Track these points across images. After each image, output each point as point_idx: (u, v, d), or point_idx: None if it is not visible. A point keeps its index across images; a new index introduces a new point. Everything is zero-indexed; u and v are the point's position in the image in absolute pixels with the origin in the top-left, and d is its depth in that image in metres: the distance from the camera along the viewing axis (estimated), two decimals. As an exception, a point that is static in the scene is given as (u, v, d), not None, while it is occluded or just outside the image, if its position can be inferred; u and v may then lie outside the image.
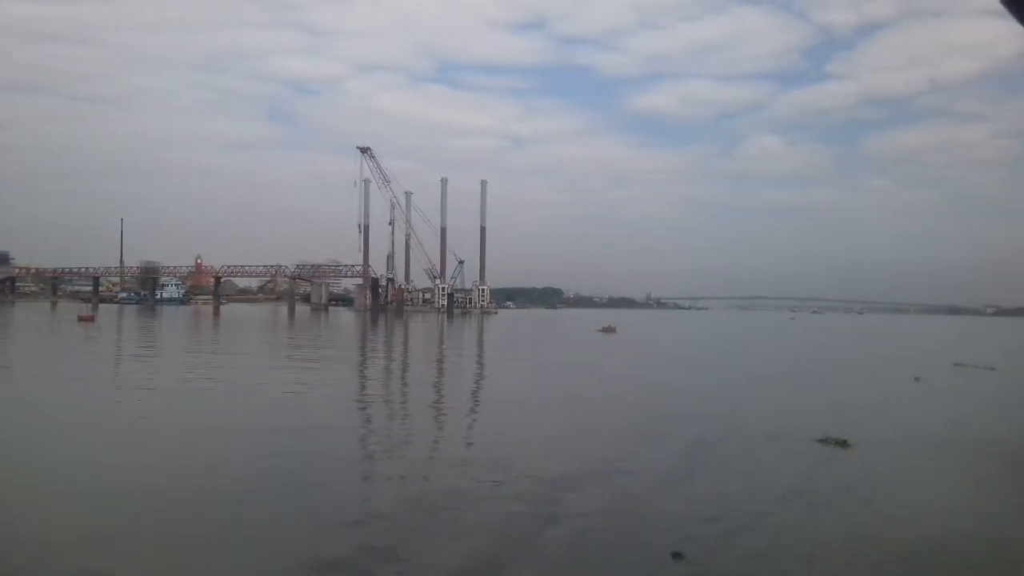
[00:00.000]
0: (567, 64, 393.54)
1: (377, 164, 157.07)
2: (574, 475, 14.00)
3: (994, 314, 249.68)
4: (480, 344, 63.24)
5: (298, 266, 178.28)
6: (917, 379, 34.52)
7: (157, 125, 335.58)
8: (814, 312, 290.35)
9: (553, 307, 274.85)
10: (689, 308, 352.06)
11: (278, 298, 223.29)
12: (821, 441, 18.15)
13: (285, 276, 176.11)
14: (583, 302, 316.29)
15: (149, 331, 67.88)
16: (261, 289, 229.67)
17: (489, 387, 31.67)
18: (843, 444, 17.95)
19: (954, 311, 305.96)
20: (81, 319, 75.69)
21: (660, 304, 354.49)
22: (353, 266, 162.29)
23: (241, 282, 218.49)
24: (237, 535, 10.29)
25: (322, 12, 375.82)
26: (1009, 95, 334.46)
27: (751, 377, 36.73)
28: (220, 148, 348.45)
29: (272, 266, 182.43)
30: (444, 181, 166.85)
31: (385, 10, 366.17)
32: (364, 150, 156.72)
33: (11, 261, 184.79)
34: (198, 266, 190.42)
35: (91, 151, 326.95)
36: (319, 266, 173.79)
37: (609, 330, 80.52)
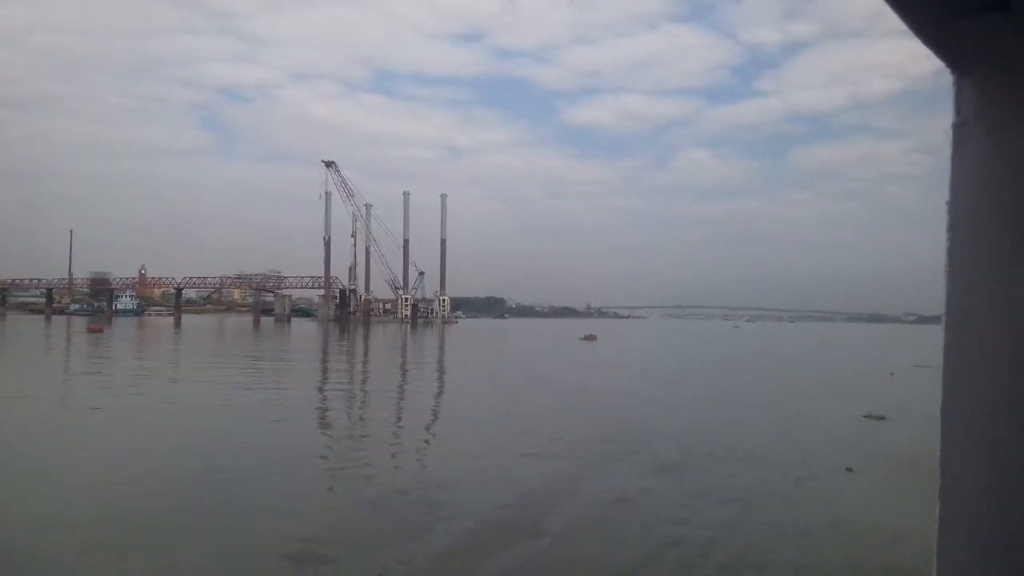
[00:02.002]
0: (505, 76, 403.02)
1: (342, 177, 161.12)
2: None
3: (914, 321, 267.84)
4: (494, 360, 59.93)
5: (237, 276, 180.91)
6: (892, 374, 42.67)
7: (81, 130, 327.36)
8: (748, 320, 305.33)
9: (502, 317, 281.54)
10: (628, 317, 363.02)
11: (228, 309, 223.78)
12: (866, 417, 25.46)
13: (250, 288, 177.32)
14: (525, 312, 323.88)
15: (168, 344, 71.63)
16: (208, 300, 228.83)
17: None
18: (881, 418, 25.32)
19: (876, 319, 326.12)
20: (91, 331, 78.80)
21: (601, 313, 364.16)
22: (318, 277, 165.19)
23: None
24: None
25: (256, 19, 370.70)
26: (923, 113, 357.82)
27: (783, 379, 43.90)
28: (149, 155, 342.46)
29: (231, 276, 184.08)
30: (406, 195, 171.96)
31: (321, 19, 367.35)
32: (329, 164, 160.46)
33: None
34: (142, 277, 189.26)
35: (8, 156, 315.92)
36: (281, 277, 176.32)
37: (590, 338, 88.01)
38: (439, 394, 34.30)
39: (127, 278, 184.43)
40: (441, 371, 47.03)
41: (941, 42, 1.09)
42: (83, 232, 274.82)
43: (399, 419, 25.36)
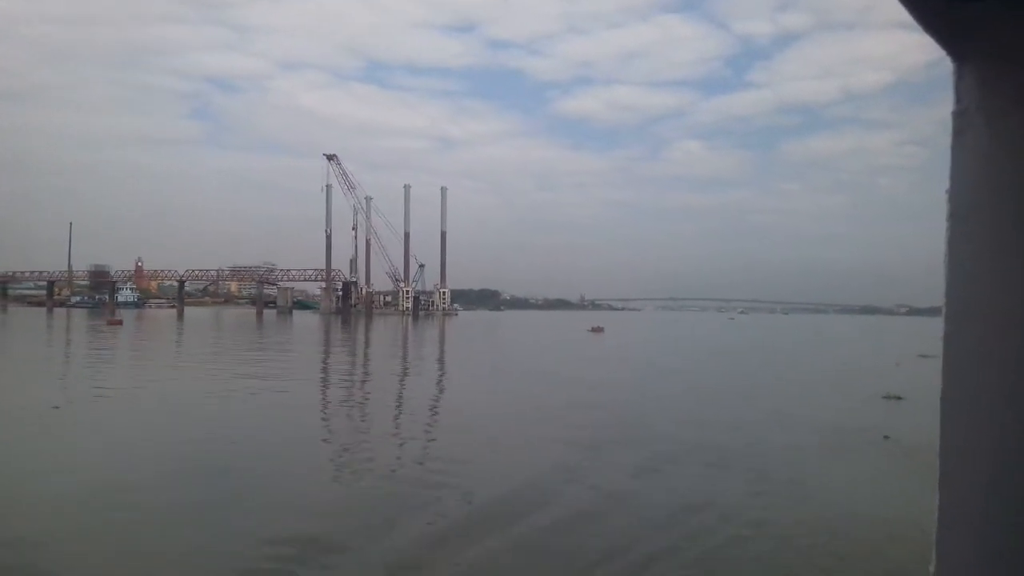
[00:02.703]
0: (497, 67, 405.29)
1: (343, 170, 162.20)
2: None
3: (907, 313, 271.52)
4: (512, 354, 56.32)
5: (232, 268, 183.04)
6: (898, 364, 44.92)
7: (70, 120, 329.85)
8: (741, 312, 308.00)
9: (498, 309, 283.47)
10: (622, 309, 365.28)
11: (226, 301, 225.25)
12: (885, 397, 27.61)
13: (253, 280, 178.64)
14: (520, 304, 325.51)
15: (198, 336, 73.34)
16: (204, 292, 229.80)
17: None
18: (899, 398, 27.48)
19: (868, 311, 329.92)
20: (110, 323, 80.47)
21: (595, 305, 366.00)
22: (320, 270, 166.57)
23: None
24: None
25: (245, 8, 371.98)
26: (915, 104, 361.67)
27: (795, 367, 46.49)
28: (139, 144, 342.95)
29: (229, 268, 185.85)
30: (407, 188, 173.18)
31: (311, 8, 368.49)
32: (331, 157, 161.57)
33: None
34: (138, 269, 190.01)
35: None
36: (275, 269, 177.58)
37: (598, 330, 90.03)
38: (477, 392, 34.82)
39: (124, 271, 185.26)
40: (467, 367, 46.97)
41: (941, 29, 1.07)
42: (74, 223, 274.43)
43: (459, 413, 27.25)
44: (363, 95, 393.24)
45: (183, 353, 48.26)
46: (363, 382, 34.26)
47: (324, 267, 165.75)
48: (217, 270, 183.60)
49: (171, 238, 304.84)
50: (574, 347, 64.08)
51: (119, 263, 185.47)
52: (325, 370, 39.64)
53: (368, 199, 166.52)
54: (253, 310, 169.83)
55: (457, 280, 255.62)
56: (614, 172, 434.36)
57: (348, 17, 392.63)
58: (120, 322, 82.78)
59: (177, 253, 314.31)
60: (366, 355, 53.50)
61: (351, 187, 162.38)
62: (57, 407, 21.33)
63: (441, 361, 48.70)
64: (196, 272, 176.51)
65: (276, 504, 12.29)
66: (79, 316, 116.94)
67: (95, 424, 19.66)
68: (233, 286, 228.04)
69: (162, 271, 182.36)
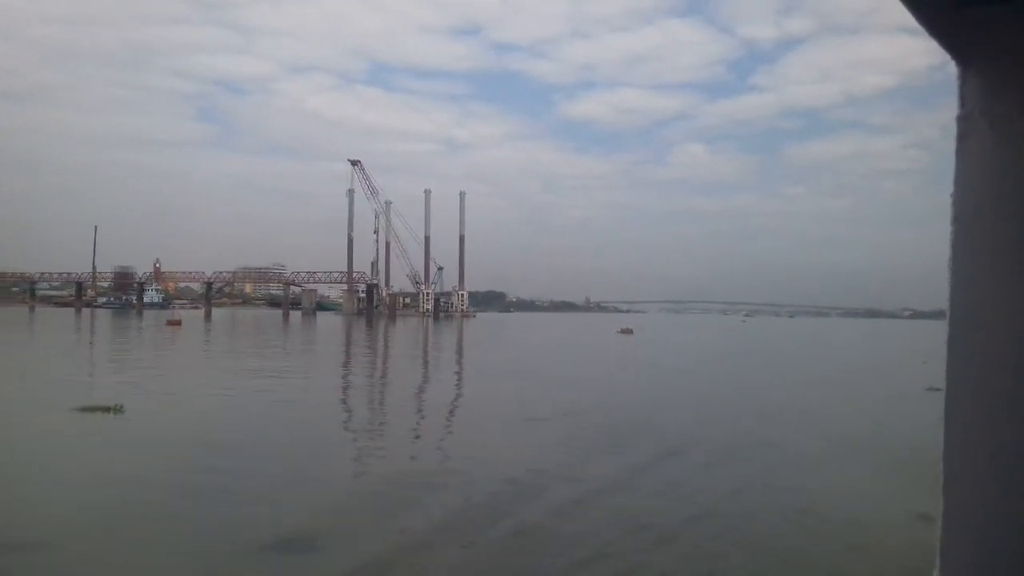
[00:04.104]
0: (502, 70, 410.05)
1: (366, 176, 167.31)
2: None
3: (911, 317, 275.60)
4: (560, 359, 54.15)
5: (242, 269, 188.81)
6: (924, 362, 49.89)
7: (70, 121, 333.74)
8: (747, 315, 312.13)
9: (507, 311, 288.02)
10: (627, 311, 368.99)
11: (243, 302, 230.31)
12: (928, 389, 32.54)
13: (280, 282, 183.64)
14: (526, 306, 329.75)
15: (263, 337, 78.08)
16: (221, 293, 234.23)
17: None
18: (940, 389, 32.34)
19: (872, 314, 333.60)
20: (170, 323, 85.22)
21: (600, 308, 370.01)
22: (342, 272, 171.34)
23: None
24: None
25: (249, 10, 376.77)
26: (918, 108, 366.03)
27: (829, 365, 51.35)
28: (145, 146, 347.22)
29: (258, 269, 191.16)
30: (427, 193, 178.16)
31: (317, 11, 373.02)
32: (355, 163, 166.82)
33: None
34: (157, 271, 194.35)
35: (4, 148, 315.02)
36: (310, 272, 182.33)
37: (627, 332, 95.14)
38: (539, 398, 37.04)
39: (147, 272, 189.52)
40: (517, 372, 48.44)
41: (946, 32, 1.08)
42: (78, 224, 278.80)
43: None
44: (369, 98, 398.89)
45: (284, 350, 52.97)
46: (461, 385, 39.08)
47: (343, 269, 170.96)
48: (234, 271, 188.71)
49: (177, 239, 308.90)
50: (621, 350, 65.41)
51: (127, 263, 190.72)
52: (420, 368, 44.43)
53: (388, 203, 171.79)
54: (271, 311, 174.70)
55: (466, 281, 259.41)
56: (618, 175, 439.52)
57: (351, 18, 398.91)
58: (179, 323, 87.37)
59: (185, 254, 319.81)
60: (428, 358, 58.02)
61: (373, 192, 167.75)
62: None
63: (519, 368, 43.73)
64: (222, 274, 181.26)
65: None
66: (118, 317, 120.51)
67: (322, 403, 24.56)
68: (248, 287, 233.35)
69: (185, 272, 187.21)
